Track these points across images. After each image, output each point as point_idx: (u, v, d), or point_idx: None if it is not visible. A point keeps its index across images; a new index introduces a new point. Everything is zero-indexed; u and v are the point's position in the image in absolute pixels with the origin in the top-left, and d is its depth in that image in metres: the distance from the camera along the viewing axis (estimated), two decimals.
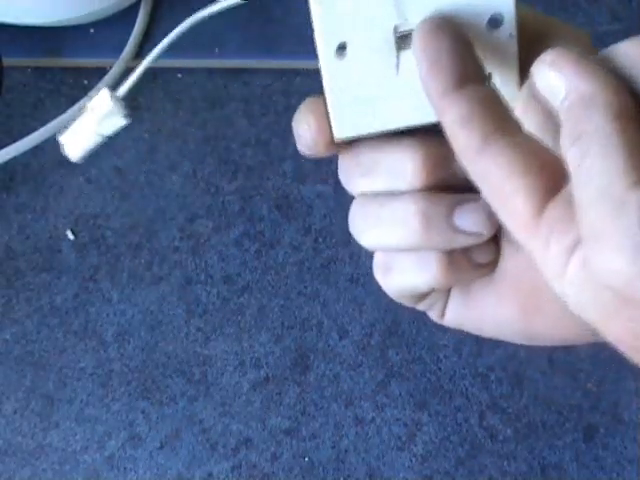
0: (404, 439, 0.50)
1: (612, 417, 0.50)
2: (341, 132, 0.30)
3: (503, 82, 0.29)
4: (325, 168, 0.54)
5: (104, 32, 0.59)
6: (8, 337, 0.53)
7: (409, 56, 0.29)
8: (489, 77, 0.29)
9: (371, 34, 0.29)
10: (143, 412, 0.51)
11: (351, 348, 0.52)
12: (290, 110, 0.63)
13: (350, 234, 0.52)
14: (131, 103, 0.59)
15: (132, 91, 0.59)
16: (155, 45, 0.59)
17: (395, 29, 0.29)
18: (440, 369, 0.51)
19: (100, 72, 0.57)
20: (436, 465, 0.49)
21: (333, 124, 0.30)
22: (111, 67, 0.57)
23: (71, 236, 0.55)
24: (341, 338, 0.52)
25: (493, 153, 0.24)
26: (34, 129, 0.55)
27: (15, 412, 0.51)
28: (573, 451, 0.49)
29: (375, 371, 0.51)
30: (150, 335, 0.52)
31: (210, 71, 0.59)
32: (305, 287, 0.53)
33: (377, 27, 0.29)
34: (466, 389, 0.51)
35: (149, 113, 0.58)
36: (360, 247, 0.56)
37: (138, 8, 0.59)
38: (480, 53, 0.28)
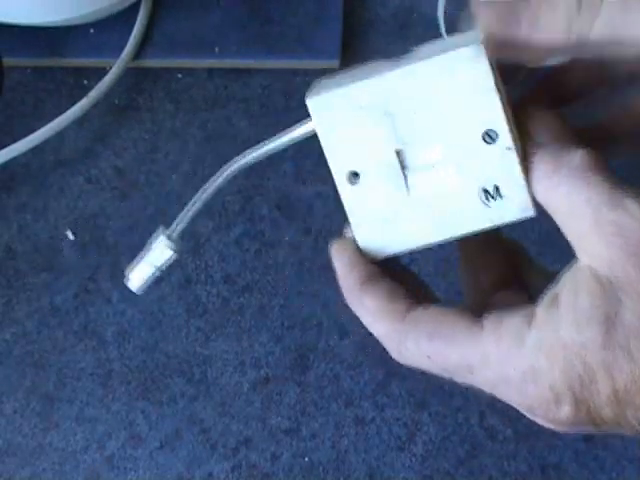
0: (404, 439, 0.50)
1: None
2: (369, 255, 0.32)
3: (511, 193, 0.31)
4: (325, 168, 0.54)
5: (104, 32, 0.59)
6: (8, 337, 0.53)
7: (417, 176, 0.31)
8: (497, 189, 0.31)
9: (376, 160, 0.31)
10: (143, 412, 0.51)
11: (351, 348, 0.52)
12: (290, 110, 0.63)
13: None
14: (131, 103, 0.59)
15: (132, 91, 0.59)
16: (155, 45, 0.59)
17: (397, 153, 0.31)
18: None
19: (100, 72, 0.57)
20: (436, 465, 0.49)
21: (361, 248, 0.32)
22: (111, 67, 0.57)
23: (71, 236, 0.55)
24: (341, 338, 0.52)
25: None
26: (34, 129, 0.55)
27: (15, 412, 0.51)
28: (573, 451, 0.49)
29: (375, 371, 0.51)
30: (150, 335, 0.52)
31: (210, 71, 0.59)
32: (305, 287, 0.53)
33: (380, 153, 0.31)
34: (466, 389, 0.51)
35: (149, 113, 0.58)
36: None
37: (138, 8, 0.59)
38: (481, 168, 0.30)
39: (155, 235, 0.35)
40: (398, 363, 0.51)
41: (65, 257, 0.54)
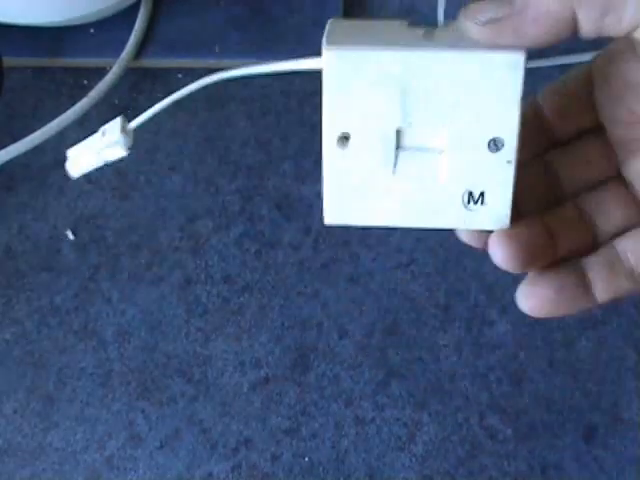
0: (404, 439, 0.50)
1: (612, 417, 0.50)
2: (331, 218, 0.32)
3: (494, 204, 0.30)
4: None
5: (104, 32, 0.59)
6: (8, 337, 0.53)
7: (408, 157, 0.30)
8: (482, 195, 0.30)
9: (373, 131, 0.30)
10: (143, 412, 0.51)
11: (351, 348, 0.52)
12: (290, 110, 0.63)
13: (350, 234, 0.52)
14: (131, 103, 0.59)
15: (132, 91, 0.59)
16: (155, 45, 0.59)
17: (398, 131, 0.30)
18: (440, 369, 0.51)
19: (100, 72, 0.57)
20: (436, 465, 0.49)
21: (325, 209, 0.32)
22: (111, 67, 0.57)
23: (71, 236, 0.55)
24: (341, 338, 0.52)
25: None
26: (34, 129, 0.55)
27: (15, 412, 0.51)
28: (573, 451, 0.49)
29: (375, 371, 0.51)
30: (150, 335, 0.52)
31: (210, 71, 0.59)
32: (305, 287, 0.53)
33: (380, 126, 0.30)
34: (466, 389, 0.51)
35: None
36: (360, 247, 0.57)
37: (138, 8, 0.59)
38: (475, 171, 0.30)
39: (111, 122, 0.33)
40: (398, 363, 0.51)
41: (65, 257, 0.54)
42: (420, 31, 0.30)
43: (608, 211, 0.32)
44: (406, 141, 0.30)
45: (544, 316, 0.31)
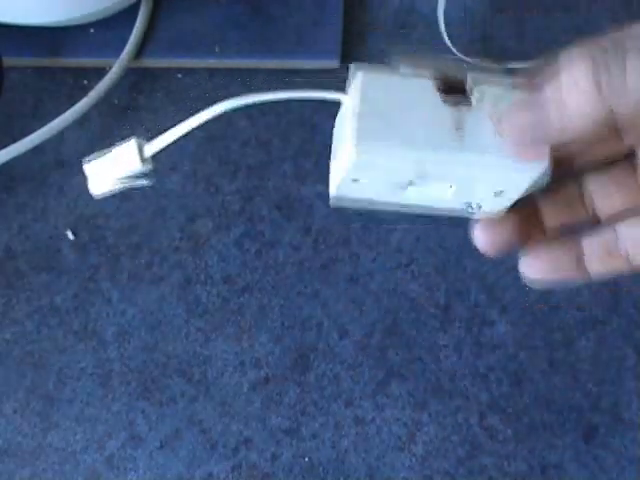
0: (404, 439, 0.50)
1: (612, 417, 0.50)
2: (336, 204, 0.33)
3: (490, 211, 0.33)
4: (325, 168, 0.54)
5: (104, 32, 0.59)
6: (8, 337, 0.53)
7: (416, 189, 0.32)
8: (479, 206, 0.33)
9: (387, 182, 0.31)
10: (143, 412, 0.51)
11: (351, 348, 0.52)
12: (290, 110, 0.63)
13: (350, 234, 0.52)
14: (131, 103, 0.59)
15: (132, 91, 0.59)
16: (155, 45, 0.59)
17: (409, 182, 0.31)
18: (440, 369, 0.51)
19: (100, 72, 0.57)
20: (436, 465, 0.49)
21: (331, 196, 0.33)
22: (111, 67, 0.57)
23: (71, 236, 0.55)
24: (341, 338, 0.52)
25: None
26: (34, 129, 0.55)
27: (15, 412, 0.51)
28: (573, 451, 0.49)
29: (375, 371, 0.51)
30: (150, 335, 0.52)
31: (210, 71, 0.59)
32: (305, 287, 0.53)
33: (393, 179, 0.31)
34: (466, 389, 0.51)
35: (149, 113, 0.58)
36: (360, 247, 0.57)
37: (138, 8, 0.59)
38: (479, 199, 0.32)
39: (125, 145, 0.32)
40: (398, 363, 0.51)
41: (65, 257, 0.54)
42: (453, 116, 0.30)
43: (610, 194, 0.33)
44: (417, 182, 0.31)
45: (543, 286, 0.34)
